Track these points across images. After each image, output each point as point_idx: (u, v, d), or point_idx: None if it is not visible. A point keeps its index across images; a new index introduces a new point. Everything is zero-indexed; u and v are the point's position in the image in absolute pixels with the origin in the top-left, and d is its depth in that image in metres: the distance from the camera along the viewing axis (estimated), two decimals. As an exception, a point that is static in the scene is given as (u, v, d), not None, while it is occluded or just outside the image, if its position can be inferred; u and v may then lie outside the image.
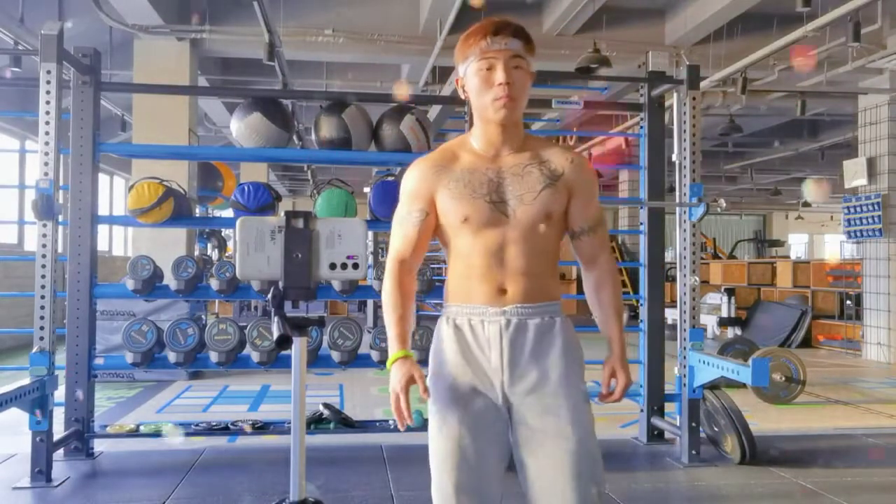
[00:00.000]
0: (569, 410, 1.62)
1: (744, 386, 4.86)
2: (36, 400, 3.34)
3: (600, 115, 11.41)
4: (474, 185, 1.65)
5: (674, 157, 4.14)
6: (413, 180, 1.71)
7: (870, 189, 8.35)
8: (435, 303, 9.58)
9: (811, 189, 8.97)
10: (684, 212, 4.03)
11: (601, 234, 1.77)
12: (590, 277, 1.79)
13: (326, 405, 4.13)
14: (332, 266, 1.73)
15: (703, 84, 6.88)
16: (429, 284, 4.04)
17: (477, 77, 1.63)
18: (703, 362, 3.82)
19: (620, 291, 1.78)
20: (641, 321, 4.40)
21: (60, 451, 3.69)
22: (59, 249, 3.65)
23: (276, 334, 1.76)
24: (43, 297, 3.46)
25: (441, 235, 1.73)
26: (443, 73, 8.81)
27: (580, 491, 1.58)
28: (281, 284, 1.82)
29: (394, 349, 1.63)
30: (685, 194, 4.02)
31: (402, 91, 4.16)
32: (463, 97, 1.71)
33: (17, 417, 3.44)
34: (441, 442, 1.63)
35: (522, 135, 1.72)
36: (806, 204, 21.23)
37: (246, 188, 3.99)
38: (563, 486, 1.58)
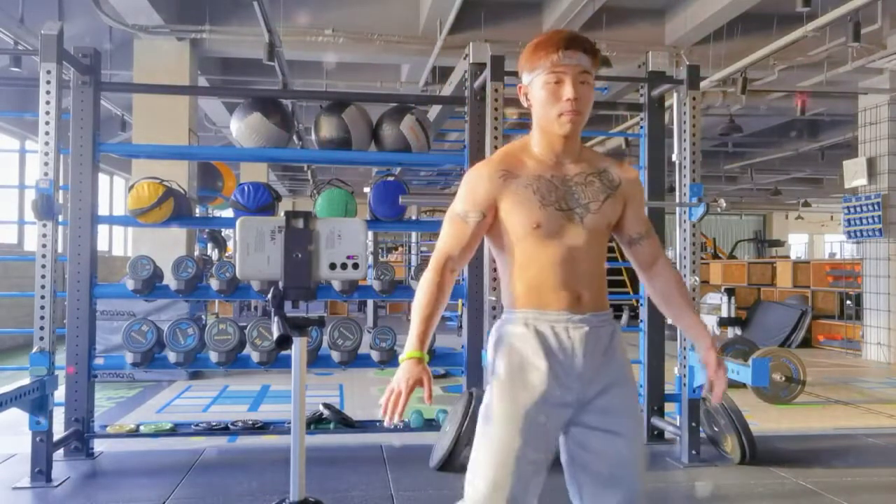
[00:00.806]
0: (632, 408, 1.73)
1: (744, 386, 4.86)
2: (36, 400, 3.34)
3: (600, 115, 11.40)
4: (543, 192, 1.68)
5: (674, 157, 4.14)
6: (477, 181, 1.71)
7: (870, 189, 8.35)
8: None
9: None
10: (684, 212, 4.03)
11: (655, 237, 1.85)
12: (654, 281, 1.84)
13: (326, 405, 4.14)
14: (332, 266, 1.73)
15: (703, 84, 6.88)
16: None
17: (544, 90, 1.66)
18: (703, 362, 3.81)
19: (686, 289, 1.84)
20: (641, 321, 4.40)
21: (60, 451, 3.69)
22: (59, 249, 3.65)
23: (276, 334, 1.76)
24: (43, 297, 3.46)
25: (498, 239, 1.74)
26: (443, 73, 8.81)
27: (640, 473, 1.70)
28: (281, 284, 1.82)
29: (411, 347, 1.63)
30: (685, 194, 4.02)
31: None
32: (525, 105, 1.74)
33: (17, 417, 3.44)
34: (503, 430, 1.64)
35: (580, 145, 1.76)
36: (806, 204, 21.24)
37: (246, 188, 3.99)
38: (627, 471, 1.68)
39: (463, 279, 4.07)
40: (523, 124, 7.78)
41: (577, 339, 1.66)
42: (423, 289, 1.69)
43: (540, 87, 1.66)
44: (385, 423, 1.58)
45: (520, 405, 1.64)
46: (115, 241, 14.32)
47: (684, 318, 1.81)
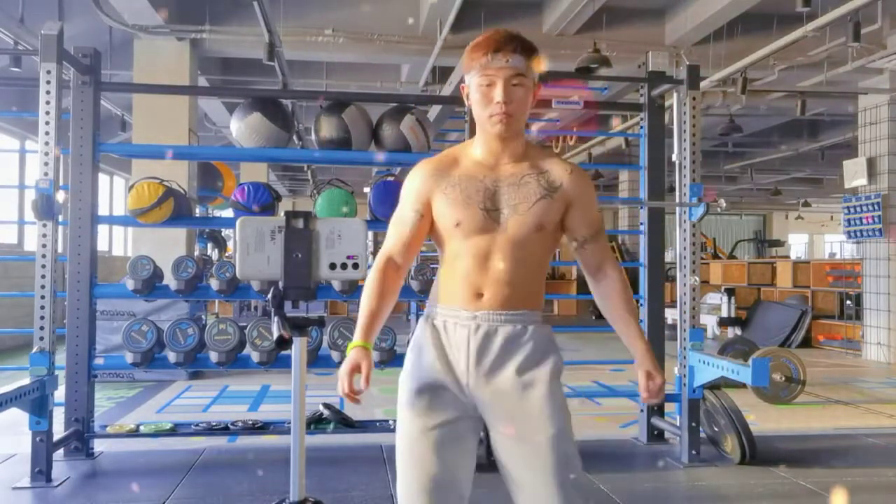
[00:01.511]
0: (542, 412, 1.64)
1: (744, 386, 4.85)
2: (36, 400, 3.34)
3: (598, 114, 11.40)
4: (469, 192, 1.69)
5: (674, 157, 4.14)
6: (412, 182, 1.76)
7: (870, 189, 8.35)
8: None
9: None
10: (684, 212, 4.03)
11: (603, 241, 1.80)
12: (598, 287, 1.80)
13: (326, 405, 4.13)
14: (332, 266, 1.73)
15: (703, 84, 6.88)
16: (428, 284, 4.04)
17: (478, 92, 1.68)
18: (703, 362, 3.82)
19: (631, 295, 1.80)
20: (641, 321, 4.40)
21: (60, 451, 3.69)
22: (59, 249, 3.65)
23: (275, 334, 1.76)
24: (43, 297, 3.46)
25: (436, 238, 1.77)
26: (443, 73, 8.81)
27: (559, 481, 1.61)
28: (281, 284, 1.82)
29: (355, 337, 1.69)
30: (685, 194, 4.02)
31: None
32: (466, 104, 1.75)
33: (17, 417, 3.44)
34: (409, 444, 1.69)
35: (523, 144, 1.76)
36: (806, 204, 21.24)
37: (246, 188, 3.99)
38: (541, 482, 1.61)
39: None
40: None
41: (461, 337, 1.67)
42: (367, 288, 1.74)
43: (474, 89, 1.68)
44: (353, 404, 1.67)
45: (417, 414, 1.68)
46: (115, 241, 14.32)
47: (621, 324, 1.77)
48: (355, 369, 1.65)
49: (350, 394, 1.66)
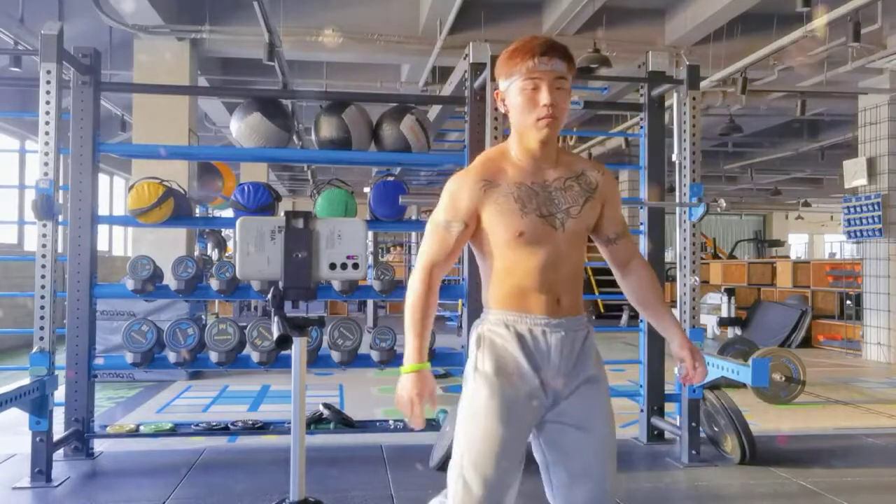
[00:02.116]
0: (604, 406, 1.79)
1: (744, 386, 4.86)
2: (36, 400, 3.34)
3: (600, 115, 11.40)
4: (524, 200, 1.71)
5: (674, 157, 4.14)
6: (460, 192, 1.74)
7: (870, 189, 8.35)
8: (437, 303, 9.55)
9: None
10: (684, 212, 4.03)
11: (630, 238, 1.89)
12: (629, 280, 1.88)
13: (326, 405, 4.14)
14: (332, 266, 1.73)
15: (703, 84, 6.88)
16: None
17: (521, 96, 1.68)
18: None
19: (659, 286, 1.88)
20: (641, 321, 4.40)
21: (60, 451, 3.69)
22: (59, 249, 3.65)
23: (275, 334, 1.76)
24: (43, 297, 3.46)
25: (481, 245, 1.77)
26: (443, 73, 8.80)
27: (610, 468, 1.77)
28: (281, 284, 1.82)
29: (412, 359, 1.69)
30: (685, 194, 4.02)
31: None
32: (503, 111, 1.76)
33: (17, 417, 3.44)
34: (489, 422, 1.69)
35: (558, 149, 1.79)
36: (806, 204, 21.24)
37: (246, 188, 3.99)
38: (600, 468, 1.74)
39: (463, 279, 4.08)
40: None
41: (554, 343, 1.71)
42: (415, 299, 1.72)
43: (517, 94, 1.69)
44: (417, 428, 1.70)
45: (504, 400, 1.69)
46: (116, 242, 14.32)
47: (657, 317, 1.88)
48: (423, 394, 1.67)
49: (421, 421, 1.67)
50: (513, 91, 1.70)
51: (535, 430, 1.78)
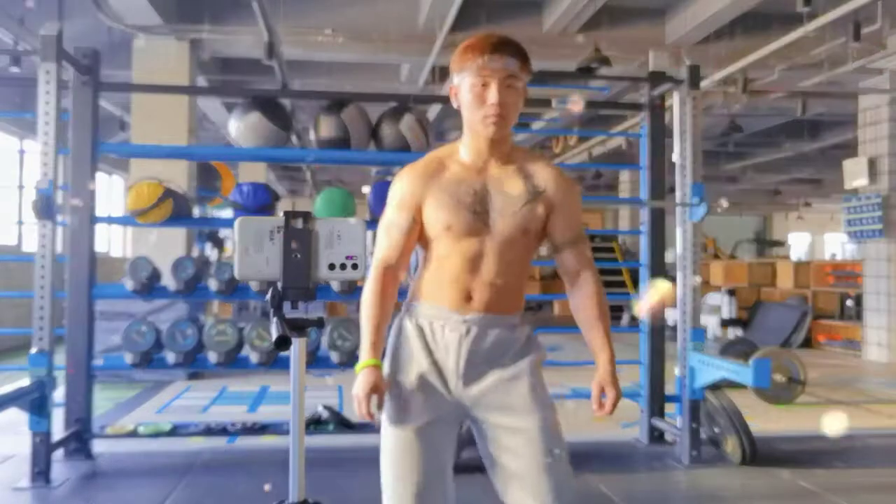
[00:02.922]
0: (529, 400, 1.68)
1: (744, 386, 4.85)
2: (35, 400, 3.33)
3: (600, 115, 11.38)
4: (459, 196, 1.69)
5: (674, 157, 4.13)
6: (401, 188, 1.75)
7: (870, 189, 8.34)
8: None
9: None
10: (685, 212, 4.02)
11: (583, 248, 1.79)
12: (574, 294, 1.79)
13: (326, 406, 4.13)
14: (332, 266, 1.72)
15: (703, 84, 6.87)
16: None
17: (471, 93, 1.68)
18: (704, 363, 3.81)
19: (605, 303, 1.77)
20: (642, 321, 4.39)
21: (60, 452, 3.68)
22: (59, 250, 3.64)
23: (274, 335, 1.75)
24: (42, 297, 3.45)
25: (422, 239, 1.76)
26: (443, 73, 8.79)
27: (547, 466, 1.65)
28: (280, 285, 1.81)
29: (365, 356, 1.67)
30: (686, 194, 4.01)
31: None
32: (455, 106, 1.76)
33: (17, 417, 3.43)
34: (396, 443, 1.69)
35: (510, 147, 1.76)
36: (807, 204, 21.22)
37: (245, 188, 3.98)
38: (531, 468, 1.65)
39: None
40: (522, 123, 7.77)
41: (454, 339, 1.68)
42: (367, 300, 1.71)
43: (467, 90, 1.69)
44: (373, 423, 1.67)
45: (405, 412, 1.69)
46: (114, 242, 14.31)
47: (589, 330, 1.76)
48: (372, 390, 1.64)
49: (370, 416, 1.65)
50: (464, 87, 1.70)
51: (474, 430, 1.76)
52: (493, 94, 1.64)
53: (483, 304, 1.68)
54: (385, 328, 1.72)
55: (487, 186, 1.71)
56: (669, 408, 4.27)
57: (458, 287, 1.69)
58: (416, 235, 1.74)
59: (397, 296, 1.77)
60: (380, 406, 1.66)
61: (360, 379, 1.65)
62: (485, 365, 1.69)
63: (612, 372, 1.73)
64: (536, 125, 10.55)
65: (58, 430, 3.60)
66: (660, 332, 4.33)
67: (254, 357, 3.89)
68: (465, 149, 1.75)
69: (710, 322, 9.50)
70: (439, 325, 1.69)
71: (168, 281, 3.92)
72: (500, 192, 1.70)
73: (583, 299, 1.76)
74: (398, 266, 1.75)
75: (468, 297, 1.68)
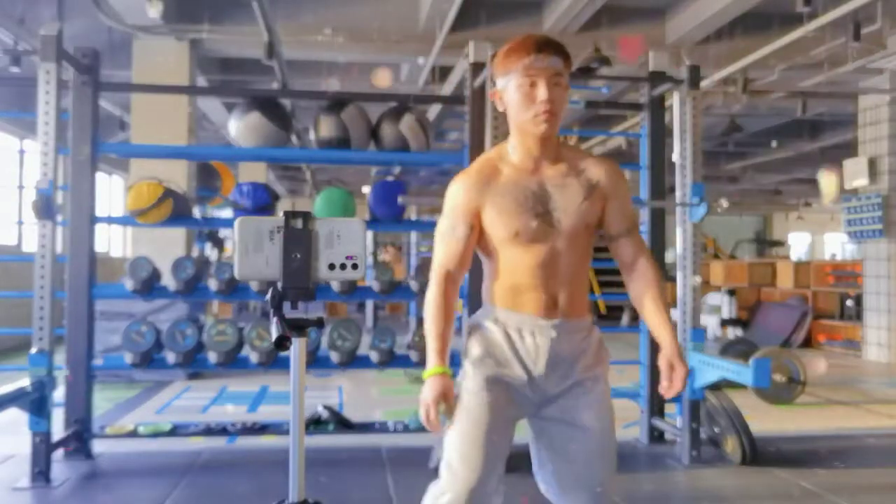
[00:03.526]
0: (601, 406, 1.78)
1: (745, 387, 4.84)
2: (35, 400, 3.33)
3: (600, 115, 11.38)
4: (520, 200, 1.71)
5: (674, 157, 4.13)
6: (458, 195, 1.76)
7: (870, 189, 8.34)
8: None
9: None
10: (685, 212, 4.02)
11: (637, 235, 1.85)
12: (633, 280, 1.84)
13: (326, 407, 4.13)
14: (332, 266, 1.71)
15: (703, 84, 6.87)
16: (427, 285, 4.03)
17: (519, 93, 1.69)
18: (704, 363, 3.81)
19: (662, 287, 1.84)
20: (642, 322, 4.38)
21: (60, 452, 3.68)
22: (59, 250, 3.64)
23: (274, 335, 1.75)
24: (42, 297, 3.45)
25: (484, 246, 1.79)
26: (442, 73, 8.79)
27: (604, 469, 1.77)
28: (280, 285, 1.80)
29: (432, 363, 1.70)
30: (686, 194, 4.01)
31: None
32: (500, 109, 1.77)
33: (17, 417, 3.43)
34: (479, 403, 1.72)
35: (558, 145, 1.79)
36: (807, 204, 21.21)
37: (244, 188, 3.98)
38: (590, 464, 1.75)
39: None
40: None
41: (543, 344, 1.72)
42: (431, 307, 1.74)
43: (514, 91, 1.70)
44: (433, 434, 1.72)
45: (488, 389, 1.72)
46: (114, 242, 14.30)
47: (650, 313, 1.81)
48: (440, 398, 1.67)
49: (435, 424, 1.67)
50: (510, 88, 1.70)
51: (531, 430, 1.80)
52: (542, 92, 1.66)
53: (566, 308, 1.73)
54: (450, 335, 1.75)
55: (545, 186, 1.73)
56: (669, 408, 4.27)
57: (541, 293, 1.72)
58: (475, 243, 1.76)
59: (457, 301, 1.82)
60: (448, 413, 1.69)
61: (429, 385, 1.68)
62: (568, 367, 1.74)
63: (678, 349, 1.77)
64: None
65: (58, 430, 3.59)
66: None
67: (254, 357, 3.89)
68: (515, 150, 1.76)
69: (710, 322, 9.51)
70: (528, 331, 1.73)
71: (168, 281, 3.92)
72: (559, 191, 1.73)
73: (645, 286, 1.81)
74: (458, 273, 1.77)
75: (553, 302, 1.73)
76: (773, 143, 12.95)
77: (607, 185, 1.78)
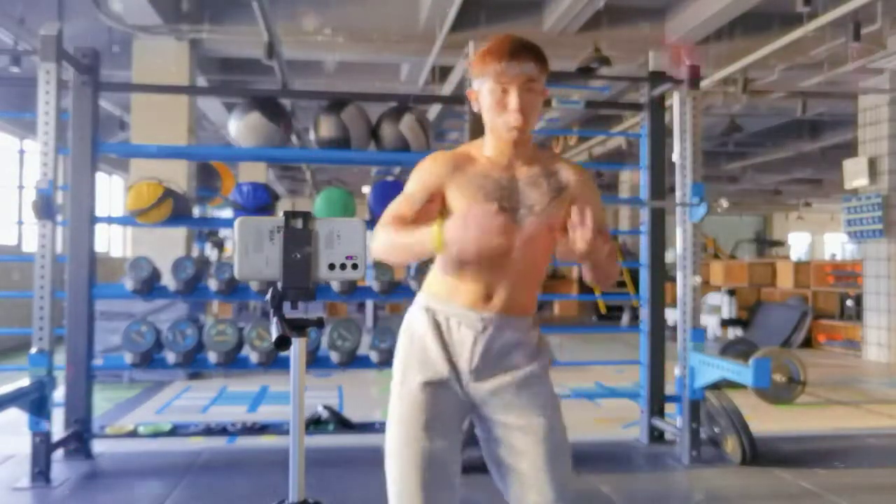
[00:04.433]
0: (541, 403, 1.71)
1: (745, 387, 4.85)
2: (35, 400, 3.33)
3: (600, 115, 11.38)
4: (487, 189, 1.69)
5: (674, 157, 4.13)
6: (426, 169, 1.75)
7: (870, 189, 8.34)
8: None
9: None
10: (685, 212, 4.02)
11: (609, 239, 1.76)
12: None
13: (326, 407, 4.12)
14: (332, 266, 1.71)
15: (703, 84, 6.87)
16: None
17: (491, 97, 1.68)
18: (704, 363, 3.81)
19: (616, 271, 1.80)
20: (642, 321, 4.39)
21: (60, 452, 3.68)
22: (59, 250, 3.64)
23: (274, 335, 1.75)
24: (42, 297, 3.45)
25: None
26: (442, 73, 8.80)
27: (553, 467, 1.68)
28: (280, 285, 1.81)
29: (431, 230, 1.56)
30: (686, 194, 4.01)
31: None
32: (475, 110, 1.76)
33: (17, 417, 3.43)
34: (403, 440, 1.70)
35: (532, 147, 1.78)
36: (807, 204, 21.22)
37: (244, 188, 3.98)
38: (538, 468, 1.67)
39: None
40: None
41: (469, 338, 1.69)
42: (389, 238, 1.65)
43: (487, 94, 1.69)
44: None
45: (412, 389, 1.70)
46: (114, 242, 14.31)
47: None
48: (473, 219, 1.49)
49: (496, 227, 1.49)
50: (484, 92, 1.70)
51: (477, 427, 1.78)
52: (513, 100, 1.66)
53: (502, 304, 1.70)
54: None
55: (515, 182, 1.72)
56: (669, 408, 4.27)
57: (478, 285, 1.69)
58: (425, 216, 1.70)
59: None
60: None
61: (453, 227, 1.52)
62: (497, 364, 1.71)
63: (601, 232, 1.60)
64: (537, 125, 10.55)
65: (58, 430, 3.59)
66: (659, 331, 4.33)
67: (254, 357, 3.89)
68: (490, 148, 1.76)
69: (710, 322, 9.51)
70: (456, 322, 1.70)
71: (168, 281, 3.92)
72: (528, 188, 1.72)
73: None
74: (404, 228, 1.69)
75: (488, 296, 1.69)
76: (773, 144, 12.95)
77: (576, 189, 1.76)
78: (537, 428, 1.69)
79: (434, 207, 1.72)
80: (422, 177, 1.74)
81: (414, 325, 1.77)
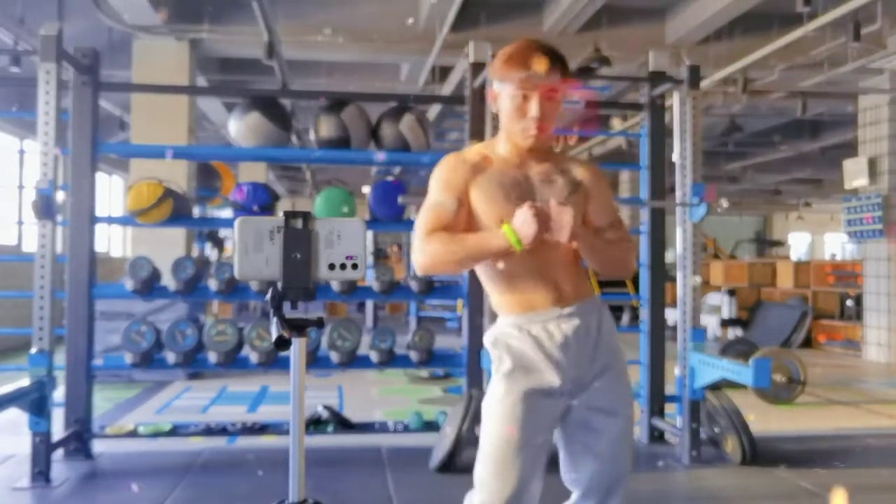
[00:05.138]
0: (625, 389, 1.81)
1: (745, 387, 4.84)
2: (35, 400, 3.33)
3: (599, 115, 11.37)
4: (506, 188, 1.71)
5: (674, 157, 4.13)
6: (447, 172, 1.75)
7: (870, 189, 8.34)
8: (437, 304, 9.51)
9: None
10: (685, 212, 4.02)
11: (623, 227, 1.87)
12: None
13: (326, 407, 4.12)
14: (332, 266, 1.71)
15: (703, 84, 6.87)
16: (429, 285, 4.03)
17: (511, 103, 1.70)
18: (704, 363, 3.81)
19: (626, 256, 1.84)
20: (642, 321, 4.39)
21: (60, 452, 3.68)
22: (59, 250, 3.64)
23: (274, 335, 1.75)
24: (42, 297, 3.45)
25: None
26: (442, 73, 8.79)
27: (628, 451, 1.79)
28: (280, 285, 1.81)
29: (503, 231, 1.62)
30: (686, 194, 4.01)
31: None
32: (494, 110, 1.78)
33: (17, 417, 3.43)
34: (505, 422, 1.70)
35: (545, 150, 1.81)
36: (807, 204, 21.21)
37: (244, 188, 3.98)
38: (614, 449, 1.76)
39: (462, 279, 4.06)
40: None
41: (570, 332, 1.71)
42: (442, 247, 1.67)
43: (507, 99, 1.70)
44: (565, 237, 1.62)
45: (521, 397, 1.70)
46: (114, 242, 14.30)
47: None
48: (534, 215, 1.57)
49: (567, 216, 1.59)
50: (504, 96, 1.71)
51: (562, 430, 1.80)
52: (534, 108, 1.67)
53: (573, 293, 1.74)
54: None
55: (531, 179, 1.74)
56: (669, 408, 4.27)
57: (546, 285, 1.72)
58: (461, 221, 1.71)
59: None
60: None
61: (521, 222, 1.58)
62: (595, 351, 1.74)
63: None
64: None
65: (58, 430, 3.59)
66: (660, 332, 4.33)
67: (254, 357, 3.89)
68: (503, 148, 1.78)
69: (710, 322, 9.51)
70: (553, 326, 1.71)
71: (168, 281, 3.92)
72: (545, 186, 1.73)
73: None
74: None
75: (560, 291, 1.72)
76: (773, 144, 12.95)
77: (588, 183, 1.80)
78: (624, 413, 1.77)
79: (464, 213, 1.73)
80: (448, 183, 1.74)
81: (510, 341, 1.75)
